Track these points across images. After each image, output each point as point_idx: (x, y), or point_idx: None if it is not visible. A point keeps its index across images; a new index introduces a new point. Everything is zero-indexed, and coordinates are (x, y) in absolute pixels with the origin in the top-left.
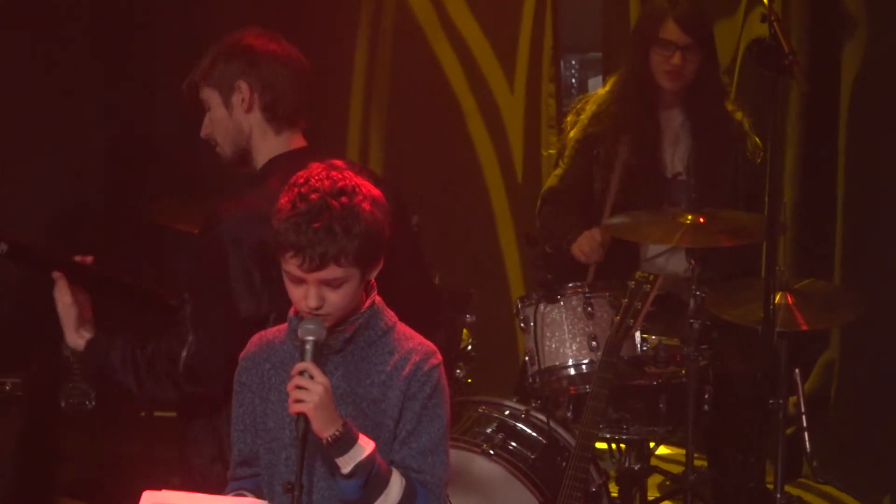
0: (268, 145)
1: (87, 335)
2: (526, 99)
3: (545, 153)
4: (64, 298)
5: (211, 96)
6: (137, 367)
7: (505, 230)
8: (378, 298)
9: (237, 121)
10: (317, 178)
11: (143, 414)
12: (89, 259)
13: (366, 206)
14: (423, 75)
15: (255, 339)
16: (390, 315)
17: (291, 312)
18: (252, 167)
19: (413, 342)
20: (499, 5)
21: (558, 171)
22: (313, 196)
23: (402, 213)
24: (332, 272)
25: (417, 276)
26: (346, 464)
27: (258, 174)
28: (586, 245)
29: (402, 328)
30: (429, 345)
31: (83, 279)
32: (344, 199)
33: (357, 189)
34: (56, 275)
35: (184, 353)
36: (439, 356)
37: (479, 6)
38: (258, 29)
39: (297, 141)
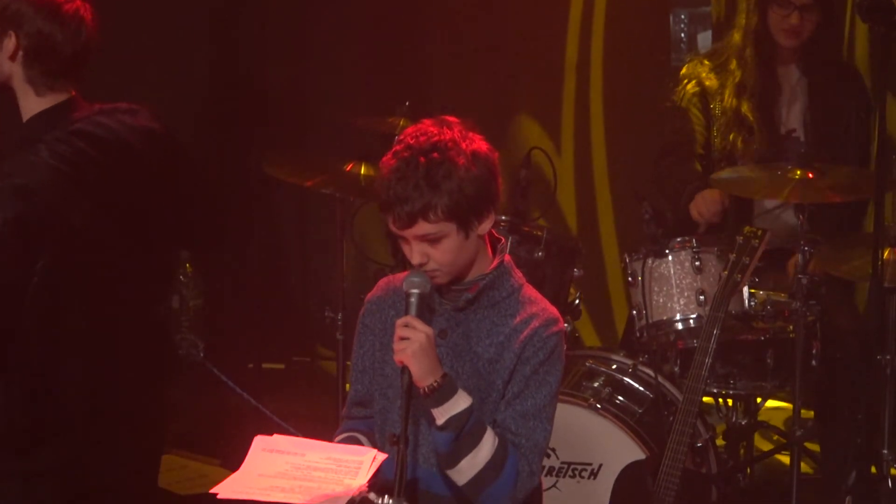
0: (29, 105)
1: None
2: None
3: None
4: None
5: None
6: None
7: None
8: (507, 258)
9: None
10: (414, 134)
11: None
12: None
13: (460, 160)
14: None
15: (382, 282)
16: (518, 276)
17: None
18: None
19: (537, 307)
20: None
21: (675, 126)
22: (405, 154)
23: None
24: (423, 228)
25: None
26: (441, 416)
27: (22, 134)
28: (705, 208)
29: (529, 291)
30: (552, 311)
31: None
32: (435, 154)
33: (453, 144)
34: None
35: None
36: (561, 324)
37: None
38: None
39: (63, 96)
